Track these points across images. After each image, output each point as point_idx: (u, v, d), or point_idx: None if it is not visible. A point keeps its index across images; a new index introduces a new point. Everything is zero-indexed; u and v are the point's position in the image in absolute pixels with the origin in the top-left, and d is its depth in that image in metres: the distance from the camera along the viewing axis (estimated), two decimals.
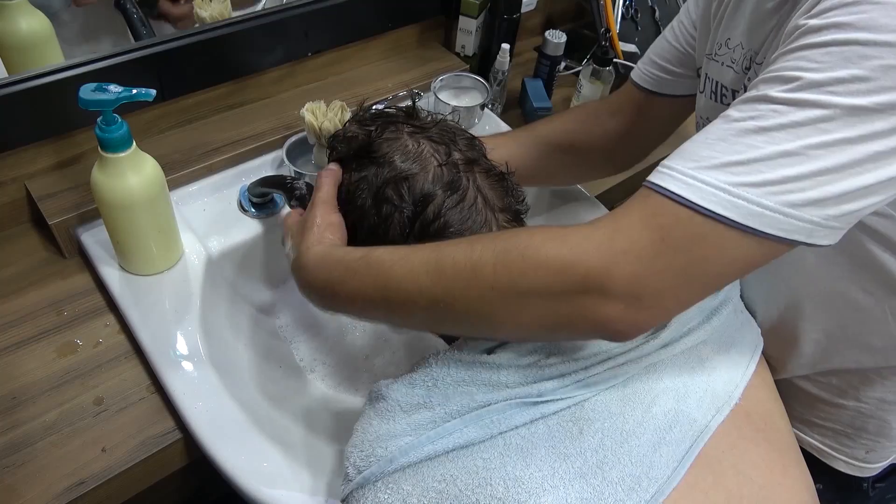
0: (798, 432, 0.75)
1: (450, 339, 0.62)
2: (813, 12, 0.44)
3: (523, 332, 0.51)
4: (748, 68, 0.62)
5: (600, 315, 0.45)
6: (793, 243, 0.44)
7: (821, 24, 0.43)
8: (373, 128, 0.62)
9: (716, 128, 0.46)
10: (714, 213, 0.43)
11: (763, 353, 0.66)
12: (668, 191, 0.45)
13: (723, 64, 0.66)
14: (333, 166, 0.64)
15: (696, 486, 0.51)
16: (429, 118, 0.64)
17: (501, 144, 0.77)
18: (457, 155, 0.60)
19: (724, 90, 0.66)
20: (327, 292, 0.56)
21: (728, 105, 0.67)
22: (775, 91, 0.44)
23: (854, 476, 0.74)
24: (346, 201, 0.62)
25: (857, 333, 0.65)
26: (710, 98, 0.69)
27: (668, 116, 0.80)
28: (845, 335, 0.65)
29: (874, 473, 0.74)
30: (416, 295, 0.50)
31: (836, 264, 0.61)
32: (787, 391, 0.73)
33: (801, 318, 0.67)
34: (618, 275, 0.44)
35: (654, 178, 0.46)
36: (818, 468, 0.73)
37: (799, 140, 0.42)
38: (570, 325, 0.47)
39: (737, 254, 0.45)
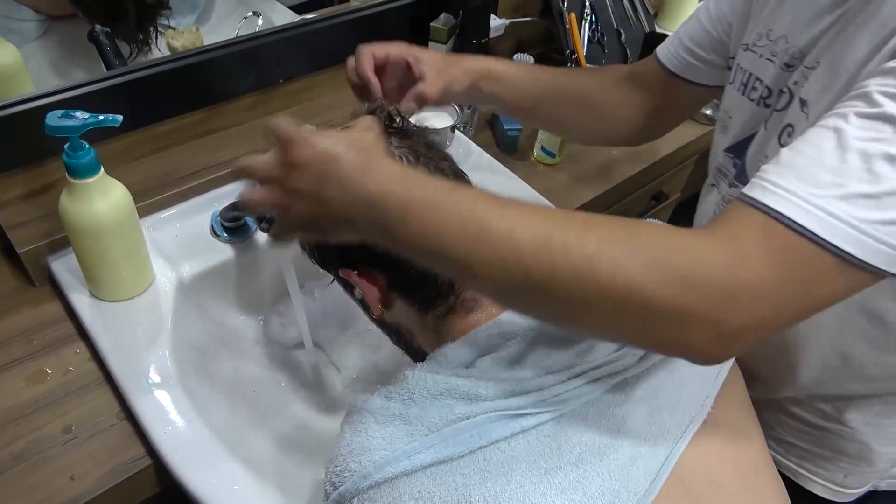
0: (774, 454, 0.73)
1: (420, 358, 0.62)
2: None
3: (611, 336, 0.49)
4: (790, 66, 0.59)
5: (702, 345, 0.43)
6: None
7: None
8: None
9: (830, 143, 0.43)
10: (842, 250, 0.41)
11: (758, 376, 0.65)
12: (793, 220, 0.42)
13: (761, 56, 0.62)
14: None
15: (670, 497, 0.51)
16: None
17: (517, 74, 0.77)
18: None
19: (756, 83, 0.63)
20: (397, 214, 0.45)
21: (755, 101, 0.64)
22: None
23: (831, 501, 0.73)
24: None
25: (857, 367, 0.64)
26: (739, 90, 0.66)
27: (689, 103, 0.77)
28: (846, 370, 0.65)
29: (851, 499, 0.73)
30: (512, 264, 0.43)
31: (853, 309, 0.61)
32: (771, 410, 0.72)
33: (803, 351, 0.66)
34: (737, 309, 0.42)
35: (768, 199, 0.43)
36: (794, 491, 0.71)
37: None
38: (662, 345, 0.45)
39: (845, 286, 0.43)
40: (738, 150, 0.68)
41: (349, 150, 0.47)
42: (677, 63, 0.75)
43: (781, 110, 0.60)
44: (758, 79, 0.63)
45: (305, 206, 0.48)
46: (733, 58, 0.69)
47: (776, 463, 0.73)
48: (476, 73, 0.75)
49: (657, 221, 0.46)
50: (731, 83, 0.68)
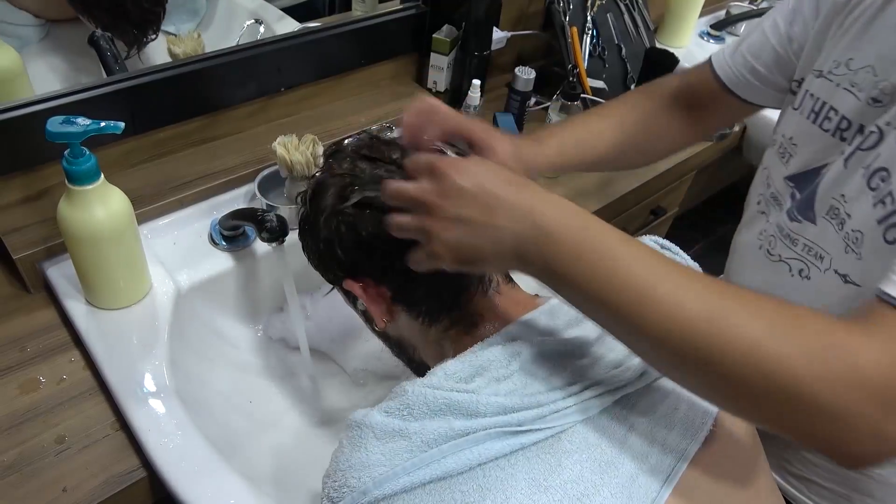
0: (795, 492, 0.72)
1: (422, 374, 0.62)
2: None
3: (765, 425, 0.46)
4: (879, 102, 0.56)
5: (857, 447, 0.42)
6: None
7: None
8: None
9: None
10: None
11: None
12: None
13: (838, 85, 0.59)
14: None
15: None
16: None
17: (584, 133, 0.72)
18: None
19: (830, 113, 0.60)
20: (570, 251, 0.45)
21: (830, 132, 0.59)
22: None
23: None
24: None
25: None
26: (809, 118, 0.62)
27: (732, 116, 0.74)
28: None
29: None
30: (676, 333, 0.43)
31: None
32: (791, 448, 0.71)
33: None
34: None
35: None
36: None
37: None
38: (817, 442, 0.43)
39: None
40: (803, 180, 0.64)
41: (509, 183, 0.47)
42: (736, 81, 0.71)
43: (867, 149, 0.56)
44: (832, 108, 0.60)
45: (465, 234, 0.47)
46: (799, 81, 0.65)
47: (793, 499, 0.73)
48: (552, 155, 0.70)
49: (818, 311, 0.44)
50: (796, 108, 0.64)
